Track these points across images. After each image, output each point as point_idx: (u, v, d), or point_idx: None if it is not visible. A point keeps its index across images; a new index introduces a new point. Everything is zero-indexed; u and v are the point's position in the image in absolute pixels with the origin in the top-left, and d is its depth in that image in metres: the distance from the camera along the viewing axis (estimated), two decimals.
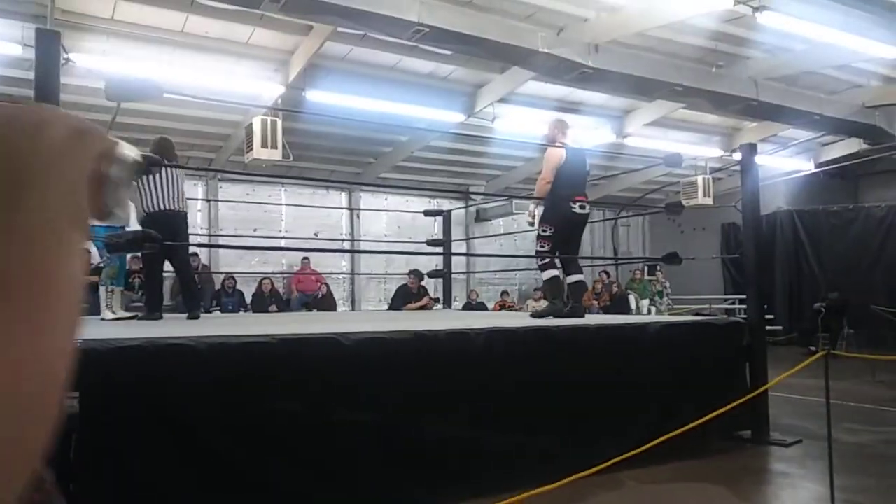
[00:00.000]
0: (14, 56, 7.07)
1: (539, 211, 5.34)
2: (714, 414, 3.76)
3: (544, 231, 5.23)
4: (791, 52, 8.36)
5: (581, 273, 5.48)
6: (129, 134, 9.18)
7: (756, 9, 6.21)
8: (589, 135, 10.83)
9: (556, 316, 5.13)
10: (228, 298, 10.27)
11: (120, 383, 2.82)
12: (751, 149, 5.32)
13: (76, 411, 2.75)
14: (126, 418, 2.82)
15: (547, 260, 5.30)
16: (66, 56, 2.87)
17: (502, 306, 12.52)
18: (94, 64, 7.13)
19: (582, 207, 5.22)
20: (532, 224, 5.45)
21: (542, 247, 5.28)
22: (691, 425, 3.68)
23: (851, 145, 11.98)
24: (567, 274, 5.41)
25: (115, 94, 3.21)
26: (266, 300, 10.38)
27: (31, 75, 7.49)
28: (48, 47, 2.86)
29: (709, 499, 3.63)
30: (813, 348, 10.74)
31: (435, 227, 11.36)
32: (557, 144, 5.25)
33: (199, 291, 5.49)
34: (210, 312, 9.86)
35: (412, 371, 3.55)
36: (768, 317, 5.45)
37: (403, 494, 3.41)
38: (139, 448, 2.83)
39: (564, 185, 5.14)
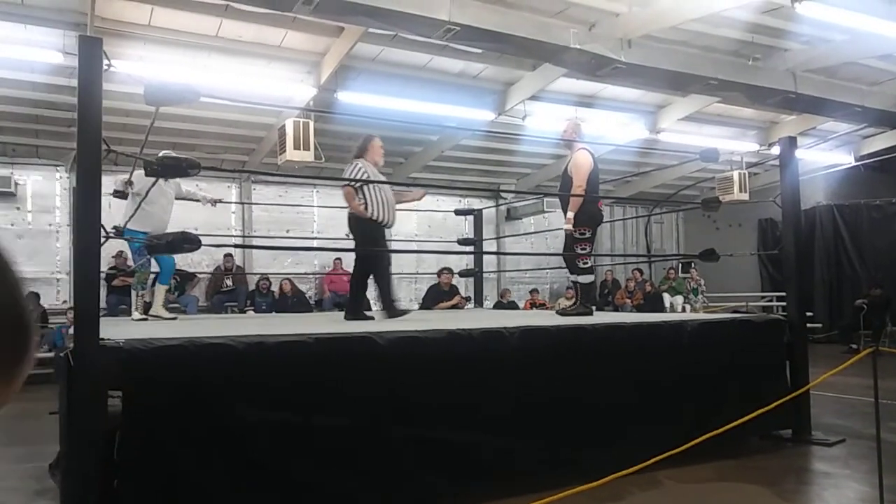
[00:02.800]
0: (55, 64, 7.26)
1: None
2: (755, 413, 3.68)
3: (583, 234, 5.34)
4: (831, 42, 8.14)
5: (593, 273, 5.71)
6: (165, 138, 9.38)
7: None
8: (621, 131, 10.71)
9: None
10: (262, 298, 10.41)
11: (162, 382, 2.88)
12: (790, 142, 5.21)
13: (120, 409, 2.82)
14: (168, 416, 2.87)
15: (588, 263, 5.43)
16: (108, 62, 2.92)
17: (532, 304, 12.47)
18: (131, 69, 7.28)
19: (601, 210, 5.59)
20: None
21: (583, 249, 5.37)
22: (731, 425, 3.61)
23: (894, 137, 11.63)
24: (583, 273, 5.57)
25: (155, 99, 3.28)
26: (287, 300, 10.50)
27: (72, 82, 7.72)
28: (91, 54, 2.92)
29: (749, 499, 3.57)
30: (854, 346, 10.47)
31: (465, 227, 11.35)
32: (579, 148, 5.45)
33: (385, 291, 5.33)
34: (244, 312, 10.03)
35: (446, 369, 3.56)
36: (807, 314, 5.34)
37: (438, 492, 3.42)
38: (181, 445, 2.88)
39: (592, 190, 5.36)
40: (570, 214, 5.26)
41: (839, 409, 5.80)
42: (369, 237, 5.17)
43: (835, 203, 13.43)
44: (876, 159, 12.40)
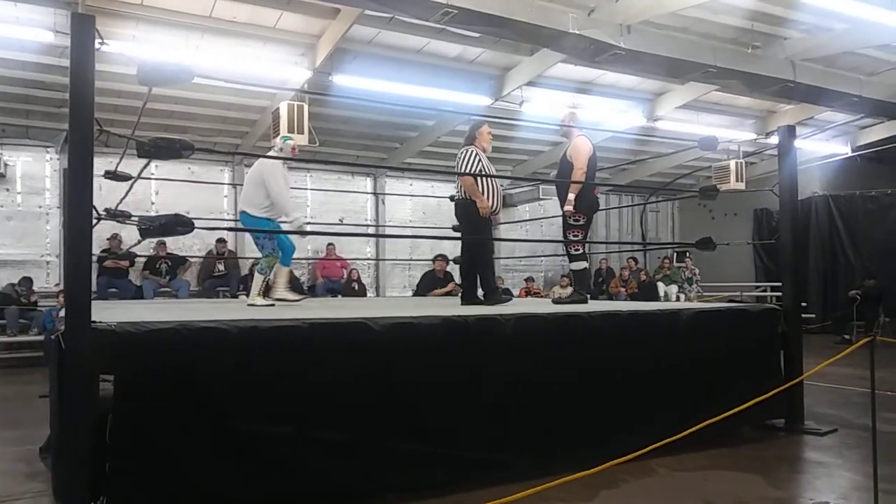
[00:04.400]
0: (46, 43, 7.14)
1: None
2: (749, 403, 3.68)
3: (577, 221, 5.31)
4: (831, 31, 8.11)
5: (587, 260, 5.68)
6: (158, 120, 9.28)
7: None
8: (618, 118, 10.66)
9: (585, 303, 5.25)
10: None
11: (154, 366, 2.85)
12: (789, 131, 5.17)
13: (111, 392, 2.79)
14: (160, 400, 2.84)
15: (581, 250, 5.41)
16: (100, 41, 2.86)
17: (528, 292, 12.46)
18: (123, 49, 7.18)
19: (597, 198, 5.58)
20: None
21: (575, 236, 5.34)
22: (725, 414, 3.61)
23: (891, 128, 11.64)
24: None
25: (148, 79, 3.21)
26: None
27: (62, 62, 7.60)
28: (83, 32, 2.84)
29: (742, 487, 3.57)
30: (847, 336, 10.53)
31: None
32: (578, 135, 5.43)
33: (486, 278, 5.45)
34: (237, 297, 9.98)
35: (441, 356, 3.53)
36: (801, 304, 5.34)
37: (432, 479, 3.41)
38: (173, 428, 2.86)
39: (590, 177, 5.35)
40: (572, 197, 5.23)
41: (831, 399, 5.82)
42: (478, 224, 5.27)
43: (831, 193, 13.44)
44: (873, 150, 12.41)
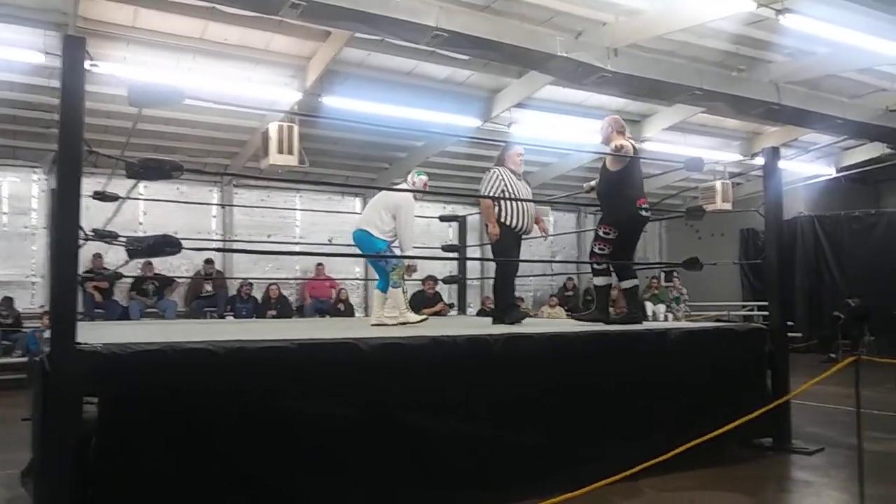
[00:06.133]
0: (36, 64, 7.14)
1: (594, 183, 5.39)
2: (737, 422, 3.69)
3: (606, 233, 5.05)
4: (814, 55, 8.26)
5: (636, 278, 5.35)
6: (147, 140, 9.28)
7: (779, 11, 6.14)
8: None
9: (606, 324, 5.00)
10: (243, 304, 10.29)
11: (140, 388, 2.82)
12: (773, 153, 5.25)
13: (95, 415, 2.75)
14: (146, 423, 2.81)
15: (604, 265, 5.14)
16: (92, 63, 2.88)
17: None
18: (114, 71, 7.19)
19: (646, 210, 5.11)
20: (588, 192, 5.44)
21: (601, 249, 5.07)
22: (712, 434, 3.61)
23: (874, 150, 11.80)
24: (624, 279, 5.23)
25: (139, 100, 3.22)
26: (268, 305, 10.34)
27: (51, 83, 7.59)
28: (74, 54, 2.86)
29: None
30: (833, 355, 10.57)
31: (450, 233, 11.33)
32: (617, 144, 5.05)
33: (502, 301, 5.44)
34: (224, 318, 9.91)
35: (430, 376, 3.53)
36: (788, 323, 5.33)
37: (421, 499, 3.38)
38: (158, 453, 2.82)
39: (631, 184, 5.03)
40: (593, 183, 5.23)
41: (818, 417, 5.84)
42: (503, 243, 5.24)
43: (815, 214, 13.59)
44: (856, 171, 12.58)
